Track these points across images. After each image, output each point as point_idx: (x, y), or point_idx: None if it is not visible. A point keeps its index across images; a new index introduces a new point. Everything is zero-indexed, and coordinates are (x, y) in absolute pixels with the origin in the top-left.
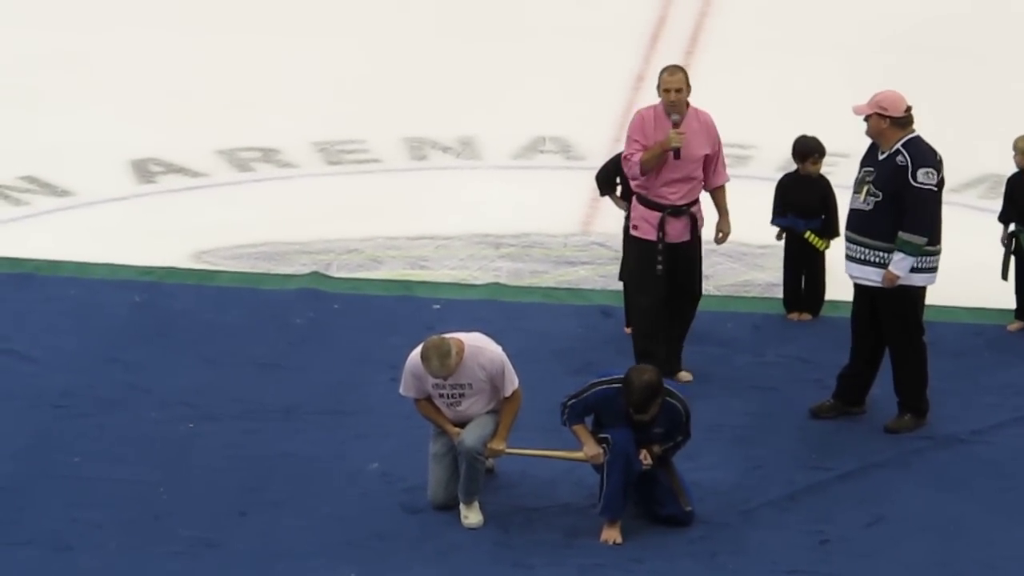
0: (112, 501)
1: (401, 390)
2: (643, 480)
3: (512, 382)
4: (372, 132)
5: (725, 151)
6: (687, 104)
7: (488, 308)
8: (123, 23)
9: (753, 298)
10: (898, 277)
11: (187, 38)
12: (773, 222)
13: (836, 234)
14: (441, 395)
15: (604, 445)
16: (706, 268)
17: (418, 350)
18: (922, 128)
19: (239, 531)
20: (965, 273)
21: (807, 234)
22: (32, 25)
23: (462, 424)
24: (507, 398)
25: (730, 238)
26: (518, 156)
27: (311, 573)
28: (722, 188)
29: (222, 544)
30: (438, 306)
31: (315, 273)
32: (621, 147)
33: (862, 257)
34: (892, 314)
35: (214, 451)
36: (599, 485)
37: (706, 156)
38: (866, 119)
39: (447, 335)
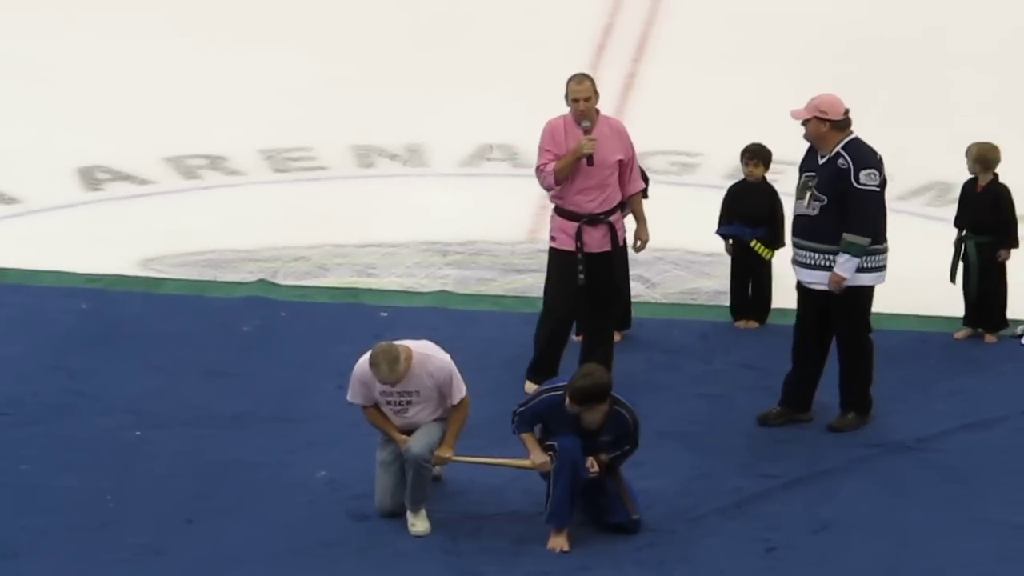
0: (59, 508)
1: (348, 397)
2: (590, 488)
3: (460, 390)
4: (319, 139)
5: (672, 159)
6: (597, 111)
7: (436, 316)
8: (71, 29)
9: (700, 306)
10: (844, 279)
11: (134, 45)
12: (719, 231)
13: (782, 243)
14: (389, 402)
15: (551, 453)
16: (653, 275)
17: (366, 357)
18: (869, 137)
19: (186, 539)
20: (913, 281)
21: (753, 243)
22: None
23: (410, 431)
24: (455, 406)
25: (677, 245)
26: (465, 164)
27: None
28: (638, 195)
29: (169, 552)
30: (385, 314)
31: (262, 281)
32: None
33: (811, 262)
34: (843, 315)
35: (161, 458)
36: (546, 493)
37: (620, 163)
38: (804, 123)
39: (396, 342)
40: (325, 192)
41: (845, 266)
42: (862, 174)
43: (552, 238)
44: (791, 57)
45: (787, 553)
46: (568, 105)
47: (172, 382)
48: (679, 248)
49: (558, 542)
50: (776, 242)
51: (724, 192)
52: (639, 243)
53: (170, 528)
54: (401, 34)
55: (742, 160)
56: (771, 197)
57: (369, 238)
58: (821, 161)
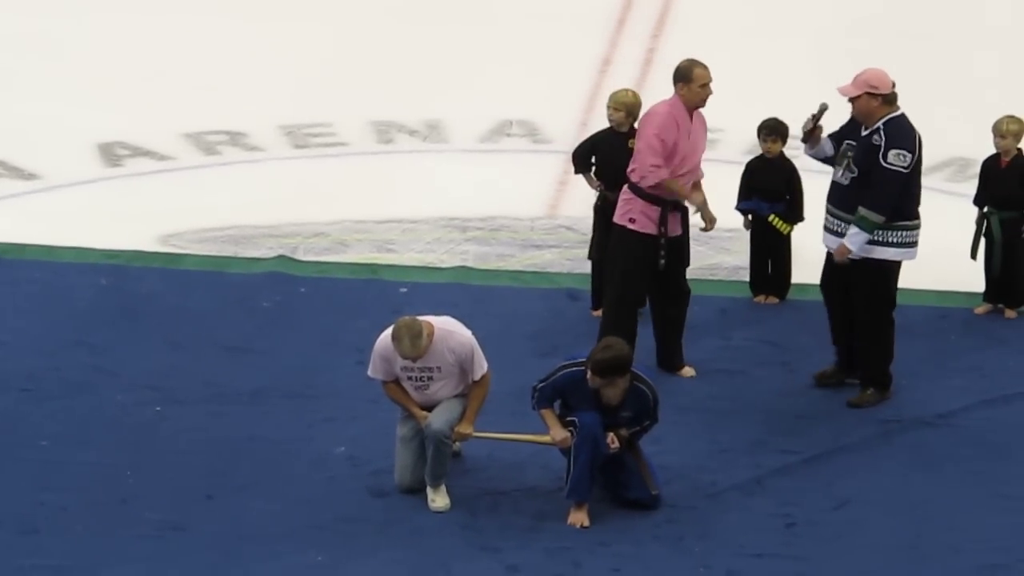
0: (78, 484)
1: (369, 372)
2: (610, 463)
3: (481, 366)
4: (339, 115)
5: None
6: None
7: (455, 291)
8: (91, 6)
9: (720, 281)
10: (850, 251)
11: (154, 21)
12: (737, 207)
13: (800, 218)
14: (410, 378)
15: (571, 429)
16: None
17: (387, 332)
18: None
19: (206, 514)
20: (933, 256)
21: (771, 218)
22: None
23: (430, 408)
24: (476, 382)
25: (698, 221)
26: (485, 139)
27: (278, 557)
28: (700, 181)
29: (189, 527)
30: (405, 289)
31: (282, 257)
32: (588, 130)
33: (839, 230)
34: (863, 287)
35: (181, 434)
36: (566, 468)
37: None
38: (852, 100)
39: (418, 317)
40: (345, 168)
41: (854, 239)
42: (891, 153)
43: (631, 219)
44: (810, 31)
45: (807, 529)
46: (683, 90)
47: (192, 358)
48: (699, 224)
49: (578, 517)
50: (795, 217)
51: (743, 168)
52: (709, 224)
53: (189, 504)
54: (420, 10)
55: (759, 136)
56: (789, 172)
57: (389, 214)
58: (864, 133)
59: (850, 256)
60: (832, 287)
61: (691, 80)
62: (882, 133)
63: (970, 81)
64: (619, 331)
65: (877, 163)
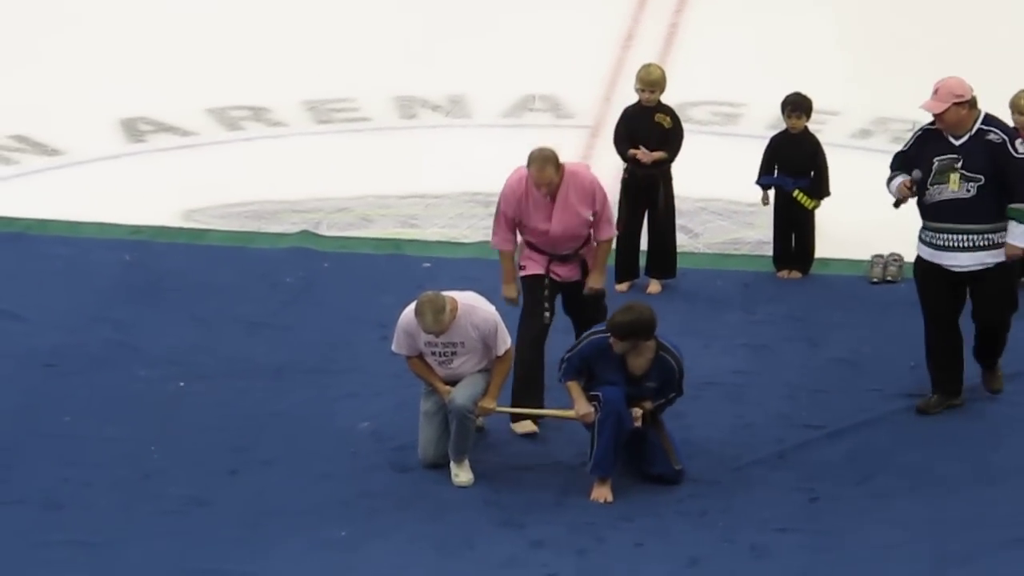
0: (102, 460)
1: (393, 347)
2: (633, 438)
3: (504, 341)
4: (362, 90)
5: (716, 108)
6: (561, 168)
7: (478, 266)
8: None
9: (743, 256)
10: (1022, 248)
11: None
12: (758, 181)
13: (826, 193)
14: (433, 353)
15: (595, 403)
16: (696, 225)
17: (411, 307)
18: (913, 89)
19: (229, 490)
20: None
21: (796, 193)
22: None
23: (453, 383)
24: (499, 357)
25: (720, 195)
26: (508, 114)
27: (301, 532)
28: (605, 243)
29: (212, 503)
30: (428, 264)
31: (305, 232)
32: (611, 105)
33: (971, 244)
34: (1000, 292)
35: (204, 410)
36: (590, 443)
37: (594, 213)
38: (940, 114)
39: (442, 293)
40: (368, 143)
41: (1021, 237)
42: (1017, 143)
43: (521, 266)
44: (832, 5)
45: (830, 503)
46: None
47: (215, 333)
48: (722, 198)
49: (601, 492)
50: (820, 193)
51: (766, 143)
52: (588, 289)
53: (213, 479)
54: None
55: (783, 112)
56: (814, 148)
57: (412, 189)
58: (959, 142)
59: (1016, 256)
60: (946, 310)
61: (529, 167)
62: (997, 131)
63: (988, 54)
64: (522, 369)
65: (1010, 158)
